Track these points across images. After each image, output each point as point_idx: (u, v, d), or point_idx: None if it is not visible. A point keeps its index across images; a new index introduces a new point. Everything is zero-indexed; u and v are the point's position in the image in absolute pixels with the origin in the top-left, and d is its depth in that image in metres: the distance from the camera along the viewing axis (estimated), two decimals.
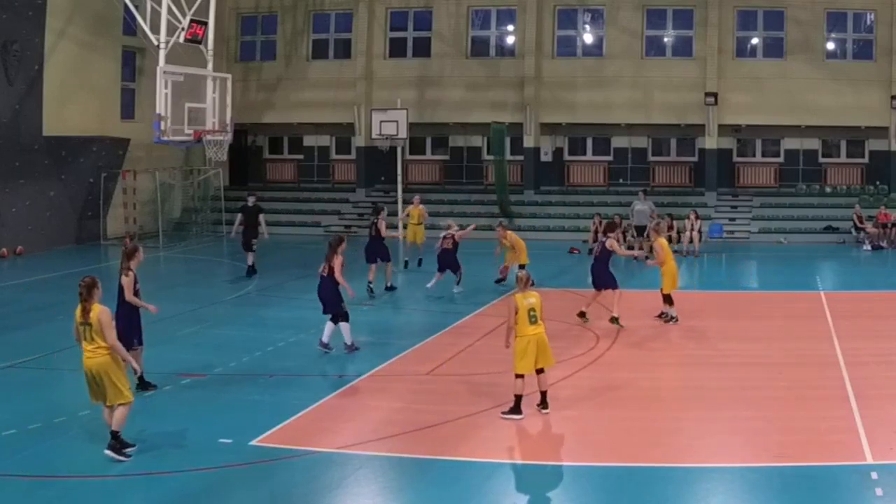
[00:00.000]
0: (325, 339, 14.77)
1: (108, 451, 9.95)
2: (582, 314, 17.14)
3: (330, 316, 14.79)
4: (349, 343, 14.79)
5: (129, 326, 12.15)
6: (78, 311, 10.02)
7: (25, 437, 10.79)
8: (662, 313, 17.27)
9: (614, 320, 16.66)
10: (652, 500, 9.11)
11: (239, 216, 22.80)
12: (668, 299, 17.17)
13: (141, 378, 12.53)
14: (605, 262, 17.24)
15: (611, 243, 17.20)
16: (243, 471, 9.89)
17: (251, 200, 22.97)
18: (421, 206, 25.06)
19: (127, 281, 12.45)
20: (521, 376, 11.45)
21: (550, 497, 9.41)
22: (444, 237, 20.25)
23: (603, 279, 17.16)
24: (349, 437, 10.82)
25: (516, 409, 11.46)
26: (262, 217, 22.51)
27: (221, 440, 10.65)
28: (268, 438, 10.73)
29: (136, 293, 12.48)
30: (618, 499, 9.19)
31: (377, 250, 20.17)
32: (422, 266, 23.45)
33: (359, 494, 9.34)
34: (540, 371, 11.63)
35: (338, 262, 14.67)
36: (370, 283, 19.83)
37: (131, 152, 30.16)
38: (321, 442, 10.64)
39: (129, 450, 10.07)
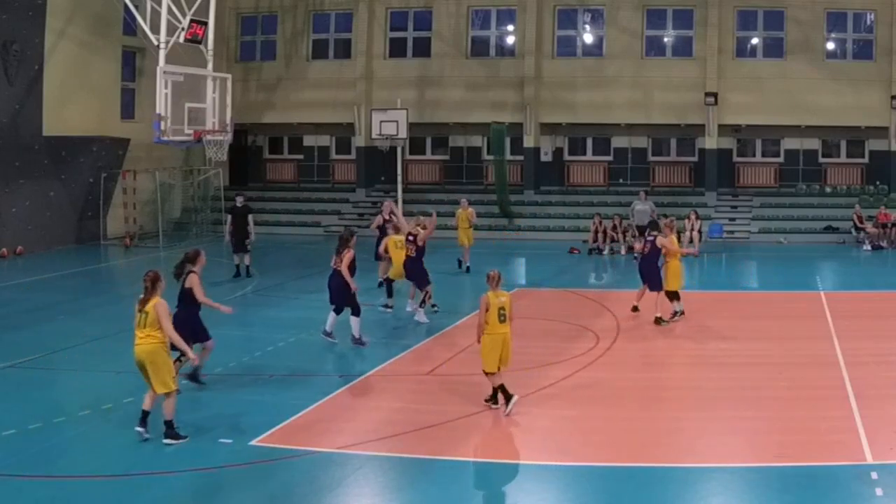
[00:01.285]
0: (328, 328, 15.13)
1: (165, 440, 10.48)
2: (658, 320, 17.02)
3: (334, 306, 15.08)
4: (357, 336, 15.01)
5: (195, 328, 12.33)
6: (140, 301, 10.63)
7: (25, 437, 10.78)
8: (675, 312, 17.37)
9: (659, 320, 16.84)
10: (652, 500, 9.12)
11: (228, 217, 22.76)
12: (674, 296, 17.33)
13: (195, 372, 12.61)
14: (654, 260, 17.36)
15: (661, 241, 17.28)
16: (243, 471, 9.89)
17: (240, 201, 22.91)
18: (470, 209, 24.21)
19: (195, 283, 12.36)
20: (493, 373, 11.69)
21: (550, 497, 9.41)
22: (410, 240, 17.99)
23: (652, 279, 17.25)
24: (349, 437, 10.82)
25: (508, 398, 11.67)
26: (250, 217, 22.46)
27: (221, 440, 10.66)
28: (268, 438, 10.73)
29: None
30: (618, 499, 9.19)
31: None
32: (470, 272, 22.89)
33: (359, 494, 9.34)
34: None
35: (347, 256, 14.83)
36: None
37: (131, 152, 30.14)
38: (321, 442, 10.65)
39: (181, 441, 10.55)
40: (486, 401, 11.86)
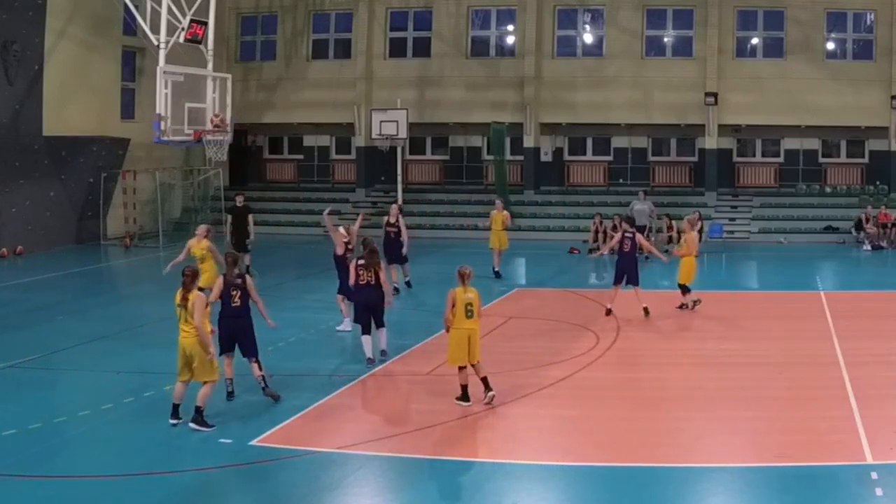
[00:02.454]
0: (370, 354, 13.98)
1: (192, 424, 10.92)
2: (646, 310, 17.38)
3: (362, 325, 14.14)
4: (371, 357, 13.97)
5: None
6: (178, 296, 11.09)
7: (25, 437, 10.78)
8: (682, 304, 17.94)
9: (647, 311, 17.33)
10: (652, 500, 9.12)
11: (228, 217, 22.76)
12: (685, 289, 17.87)
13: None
14: (634, 256, 17.70)
15: (639, 238, 17.82)
16: (243, 471, 9.90)
17: (239, 200, 22.92)
18: (505, 212, 23.28)
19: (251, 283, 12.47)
20: (462, 368, 11.85)
21: (550, 497, 9.41)
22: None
23: (633, 273, 17.60)
24: (349, 437, 10.82)
25: (464, 397, 11.91)
26: (250, 217, 22.45)
27: (221, 440, 10.66)
28: (268, 438, 10.74)
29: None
30: (618, 499, 9.19)
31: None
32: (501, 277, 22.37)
33: (359, 494, 9.34)
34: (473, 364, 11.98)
35: (382, 266, 14.22)
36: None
37: (131, 152, 30.15)
38: (321, 442, 10.65)
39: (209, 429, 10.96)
40: (486, 402, 11.87)
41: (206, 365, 10.98)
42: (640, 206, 27.63)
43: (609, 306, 17.46)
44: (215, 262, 16.48)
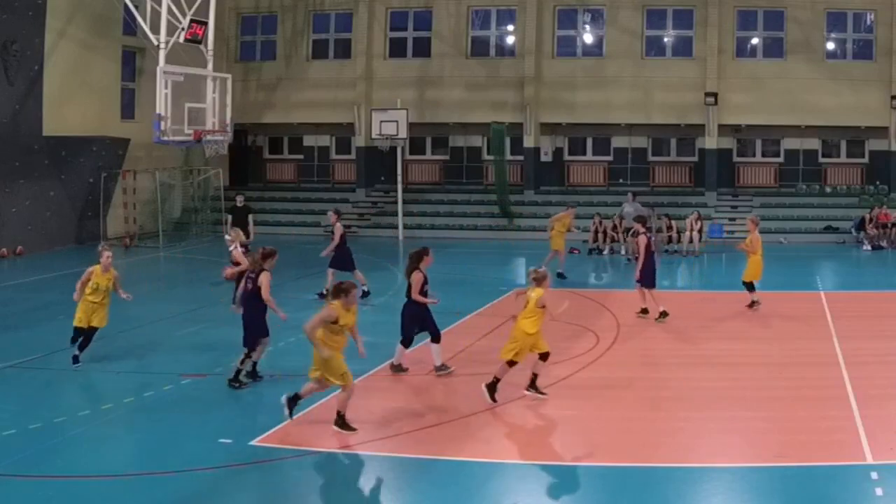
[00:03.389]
0: (396, 361, 13.85)
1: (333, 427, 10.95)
2: (664, 314, 17.25)
3: (403, 338, 13.76)
4: (440, 364, 13.62)
5: (260, 322, 12.87)
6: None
7: (25, 437, 10.78)
8: (752, 301, 18.21)
9: (662, 315, 17.26)
10: (652, 500, 9.12)
11: (229, 217, 22.80)
12: (750, 287, 18.24)
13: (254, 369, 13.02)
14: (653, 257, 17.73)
15: (637, 240, 17.94)
16: (243, 471, 9.89)
17: (240, 200, 23.01)
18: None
19: (265, 279, 12.88)
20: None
21: (551, 497, 9.41)
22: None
23: (653, 276, 17.59)
24: (349, 437, 10.82)
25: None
26: (251, 217, 22.49)
27: (221, 440, 10.66)
28: (268, 438, 10.73)
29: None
30: (618, 499, 9.19)
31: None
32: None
33: (359, 494, 9.34)
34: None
35: (416, 280, 13.36)
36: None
37: (131, 152, 30.14)
38: (321, 442, 10.65)
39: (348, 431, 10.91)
40: (490, 396, 12.05)
41: (333, 371, 10.87)
42: (629, 209, 27.70)
43: (662, 308, 17.26)
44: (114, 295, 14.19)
